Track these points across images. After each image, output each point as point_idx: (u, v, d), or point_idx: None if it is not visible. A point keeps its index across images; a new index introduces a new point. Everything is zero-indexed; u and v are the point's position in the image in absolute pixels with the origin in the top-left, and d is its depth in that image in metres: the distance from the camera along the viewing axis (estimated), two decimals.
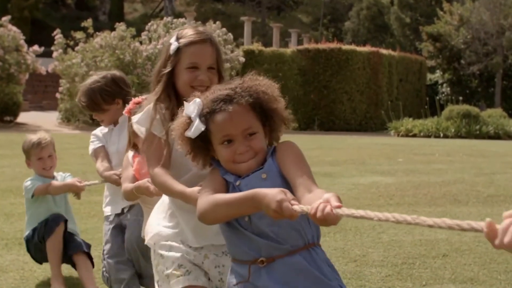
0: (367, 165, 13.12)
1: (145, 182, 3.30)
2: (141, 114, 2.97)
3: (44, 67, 25.15)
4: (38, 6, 45.53)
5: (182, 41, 2.92)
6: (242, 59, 24.66)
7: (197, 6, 51.35)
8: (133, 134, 3.64)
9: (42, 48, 24.66)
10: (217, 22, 25.68)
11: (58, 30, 24.38)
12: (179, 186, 2.73)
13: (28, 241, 5.02)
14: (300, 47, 28.24)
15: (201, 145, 2.54)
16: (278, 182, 2.41)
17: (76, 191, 5.03)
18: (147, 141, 2.93)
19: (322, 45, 27.19)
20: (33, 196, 4.95)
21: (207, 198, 2.43)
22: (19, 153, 13.97)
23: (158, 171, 2.83)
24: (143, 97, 3.61)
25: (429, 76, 36.87)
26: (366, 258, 5.92)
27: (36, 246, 4.97)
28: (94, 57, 23.22)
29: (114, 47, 23.39)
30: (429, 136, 23.58)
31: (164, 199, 3.02)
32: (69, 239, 4.96)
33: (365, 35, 46.06)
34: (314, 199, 2.11)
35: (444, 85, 37.43)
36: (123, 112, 4.00)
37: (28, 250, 5.06)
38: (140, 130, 2.97)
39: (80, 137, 18.45)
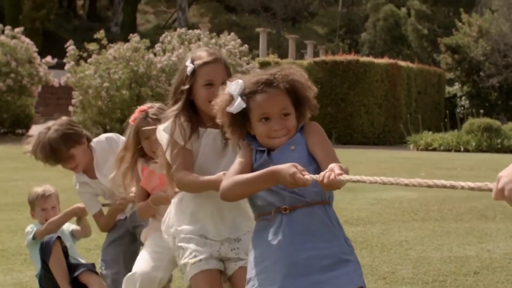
0: None
1: (159, 192, 3.79)
2: (167, 124, 3.39)
3: (56, 79, 25.23)
4: (49, 17, 45.68)
5: (197, 62, 3.39)
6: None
7: (211, 17, 51.49)
8: (147, 142, 4.00)
9: (55, 60, 24.75)
10: (232, 33, 25.69)
11: (70, 42, 24.37)
12: (205, 177, 3.21)
13: (40, 277, 5.04)
14: (317, 59, 28.22)
15: (240, 121, 2.95)
16: (305, 153, 2.88)
17: (80, 215, 5.09)
18: (171, 149, 3.34)
19: (339, 57, 27.14)
20: (34, 238, 5.03)
21: (229, 179, 2.85)
22: (32, 166, 13.98)
23: (183, 173, 3.28)
24: (148, 105, 4.12)
25: (448, 88, 36.70)
26: (395, 275, 5.84)
27: (45, 277, 4.97)
28: (108, 68, 23.23)
29: (127, 58, 23.40)
30: (449, 150, 23.44)
31: (183, 198, 3.42)
32: (71, 264, 4.98)
33: (382, 46, 45.96)
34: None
35: (463, 98, 37.24)
36: (129, 121, 4.15)
37: (41, 285, 5.07)
38: (162, 139, 3.40)
39: None
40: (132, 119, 4.15)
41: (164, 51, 24.51)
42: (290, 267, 2.79)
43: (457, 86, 37.73)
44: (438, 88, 33.31)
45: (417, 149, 24.27)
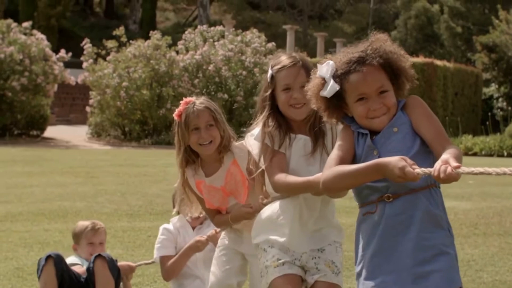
0: None
1: (242, 208, 3.82)
2: (256, 130, 3.55)
3: (73, 77, 24.76)
4: (65, 15, 45.34)
5: (275, 68, 3.50)
6: None
7: (234, 14, 50.90)
8: (195, 133, 3.88)
9: (70, 54, 24.23)
10: (255, 30, 25.06)
11: (87, 40, 23.97)
12: (302, 178, 3.31)
13: None
14: None
15: (335, 103, 2.94)
16: (409, 134, 2.87)
17: (129, 272, 4.98)
18: (264, 154, 3.47)
19: None
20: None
21: (331, 170, 2.85)
22: (48, 171, 13.52)
23: (280, 175, 3.38)
24: (192, 98, 3.99)
25: (484, 89, 35.93)
26: None
27: None
28: (127, 67, 22.77)
29: (148, 57, 22.92)
30: (491, 155, 22.65)
31: (274, 209, 3.51)
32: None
33: (413, 45, 45.08)
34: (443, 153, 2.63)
35: (500, 99, 36.47)
36: (175, 117, 3.97)
37: None
38: (252, 145, 3.58)
39: (113, 154, 17.96)
40: (177, 113, 3.95)
41: (187, 49, 24.04)
42: (390, 260, 2.82)
43: (493, 87, 36.94)
44: (475, 89, 32.55)
45: None
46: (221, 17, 49.01)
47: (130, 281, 4.98)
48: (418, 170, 2.55)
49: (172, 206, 5.05)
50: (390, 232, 2.83)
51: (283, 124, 3.47)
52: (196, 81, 22.86)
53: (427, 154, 2.88)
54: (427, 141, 2.82)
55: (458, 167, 2.48)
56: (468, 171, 2.43)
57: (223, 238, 4.13)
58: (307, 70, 3.41)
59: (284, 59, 3.51)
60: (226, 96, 22.49)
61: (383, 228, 2.83)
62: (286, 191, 3.41)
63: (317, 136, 3.48)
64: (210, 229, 4.59)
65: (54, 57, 24.10)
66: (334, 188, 2.89)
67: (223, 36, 24.68)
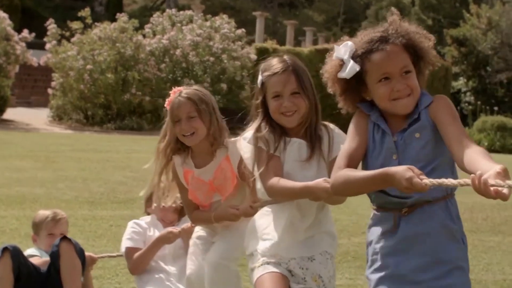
0: None
1: (228, 209, 3.74)
2: (249, 134, 3.46)
3: (35, 58, 24.27)
4: None
5: (265, 74, 3.42)
6: (254, 57, 23.80)
7: None
8: (177, 125, 3.87)
9: (33, 35, 23.72)
10: (224, 16, 24.83)
11: (51, 20, 23.48)
12: (300, 184, 3.23)
13: None
14: (319, 46, 27.40)
15: (354, 86, 2.86)
16: (431, 142, 2.78)
17: (90, 264, 4.73)
18: (257, 158, 3.38)
19: None
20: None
21: (340, 175, 2.79)
22: (7, 154, 13.13)
23: (275, 179, 3.28)
24: (181, 88, 3.99)
25: (452, 83, 36.09)
26: None
27: None
28: (92, 50, 22.33)
29: (114, 39, 22.50)
30: None
31: (265, 217, 3.45)
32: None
33: None
34: (472, 155, 2.54)
35: (468, 93, 36.65)
36: (165, 106, 3.98)
37: None
38: (244, 149, 3.47)
39: (75, 138, 17.61)
40: (167, 103, 3.96)
41: (154, 33, 23.71)
42: (402, 275, 2.79)
43: (462, 80, 37.14)
44: (444, 82, 32.60)
45: None
46: (189, 2, 48.50)
47: (90, 273, 4.74)
48: (426, 180, 2.46)
49: (144, 208, 4.84)
50: (402, 247, 2.81)
51: (277, 128, 3.40)
52: (162, 65, 22.58)
53: (449, 167, 2.82)
54: (448, 141, 2.71)
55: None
56: None
57: (198, 231, 4.08)
58: (298, 75, 3.38)
59: (274, 64, 3.43)
60: (192, 82, 22.14)
61: (396, 243, 2.82)
62: (282, 196, 3.33)
63: (313, 140, 3.40)
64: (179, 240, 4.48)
65: (16, 37, 23.53)
66: (342, 193, 2.88)
67: (191, 21, 24.36)
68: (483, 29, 36.44)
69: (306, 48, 27.79)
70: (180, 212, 4.63)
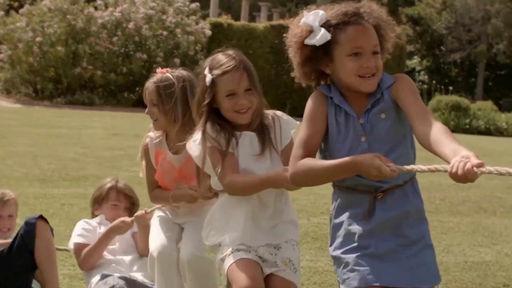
0: None
1: (187, 189, 3.83)
2: (198, 136, 3.39)
3: None
4: None
5: (215, 72, 3.34)
6: (209, 32, 23.61)
7: None
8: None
9: None
10: None
11: None
12: (260, 176, 3.24)
13: None
14: (274, 22, 27.21)
15: (317, 57, 2.81)
16: (396, 122, 2.80)
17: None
18: (213, 158, 3.33)
19: None
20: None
21: (301, 165, 2.78)
22: None
23: (234, 176, 3.27)
24: (164, 70, 3.99)
25: (407, 62, 36.31)
26: None
27: None
28: (42, 21, 21.95)
29: (64, 11, 22.14)
30: None
31: (221, 205, 3.44)
32: None
33: None
34: (435, 134, 2.57)
35: (422, 72, 36.98)
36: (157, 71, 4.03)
37: None
38: (194, 151, 3.41)
39: (24, 113, 17.27)
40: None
41: (106, 5, 23.37)
42: (381, 255, 2.82)
43: (416, 59, 37.44)
44: (399, 61, 32.65)
45: None
46: None
47: None
48: (394, 167, 2.52)
49: (91, 210, 4.70)
50: (382, 227, 2.84)
51: (225, 124, 3.36)
52: (114, 39, 22.25)
53: (410, 144, 2.89)
54: (411, 119, 2.72)
55: (481, 165, 2.31)
56: (494, 172, 2.26)
57: (159, 213, 4.08)
58: (249, 71, 3.36)
59: (224, 61, 3.36)
60: (145, 56, 22.01)
61: (372, 227, 2.83)
62: (244, 192, 3.30)
63: (262, 131, 3.40)
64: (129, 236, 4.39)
65: None
66: (305, 184, 2.87)
67: None
68: (438, 8, 36.74)
69: (261, 23, 27.62)
70: (130, 212, 4.54)
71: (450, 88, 27.63)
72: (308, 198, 8.19)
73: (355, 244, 2.86)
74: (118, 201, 4.54)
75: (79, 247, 4.33)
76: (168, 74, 3.92)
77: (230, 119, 3.36)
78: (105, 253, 4.35)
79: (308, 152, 2.80)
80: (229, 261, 3.29)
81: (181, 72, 3.97)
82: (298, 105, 25.71)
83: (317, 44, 2.77)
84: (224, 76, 3.32)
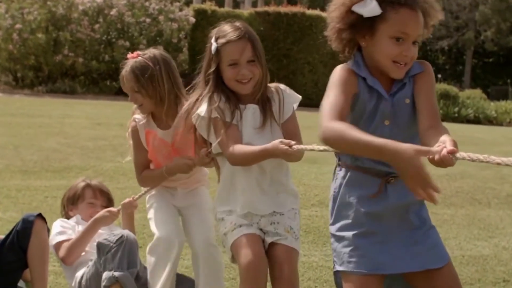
0: None
1: (181, 159, 3.84)
2: (203, 107, 3.48)
3: None
4: None
5: (220, 41, 3.46)
6: (192, 20, 23.43)
7: None
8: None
9: None
10: None
11: None
12: (259, 147, 3.32)
13: None
14: (259, 9, 27.07)
15: (359, 27, 2.75)
16: (413, 107, 2.81)
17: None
18: (217, 129, 3.44)
19: (284, 8, 26.03)
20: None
21: (337, 129, 2.66)
22: None
23: (235, 146, 3.37)
24: (138, 53, 4.04)
25: None
26: None
27: None
28: (21, 8, 21.64)
29: None
30: None
31: (227, 177, 3.53)
32: None
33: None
34: (435, 133, 2.60)
35: None
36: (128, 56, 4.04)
37: None
38: (201, 123, 3.50)
39: (3, 102, 17.03)
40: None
41: None
42: (389, 240, 2.85)
43: None
44: None
45: None
46: None
47: None
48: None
49: (62, 208, 4.59)
50: (393, 211, 2.87)
51: (231, 96, 3.47)
52: (96, 26, 22.00)
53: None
54: (419, 110, 2.77)
55: (454, 151, 2.40)
56: (467, 158, 2.38)
57: (152, 196, 4.13)
58: (253, 43, 3.46)
59: (229, 31, 3.47)
60: (127, 43, 21.78)
61: (387, 207, 2.86)
62: (244, 162, 3.40)
63: (264, 104, 3.50)
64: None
65: None
66: (333, 146, 2.75)
67: None
68: None
69: (246, 10, 27.46)
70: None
71: (439, 76, 27.56)
72: (298, 190, 8.03)
73: (365, 229, 2.87)
74: (95, 198, 4.48)
75: (59, 245, 4.21)
76: (141, 58, 3.95)
77: (231, 88, 3.47)
78: (87, 249, 4.24)
79: (341, 116, 2.74)
80: (233, 237, 3.42)
81: (152, 52, 4.00)
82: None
83: (365, 14, 2.74)
84: (228, 45, 3.43)
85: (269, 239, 3.48)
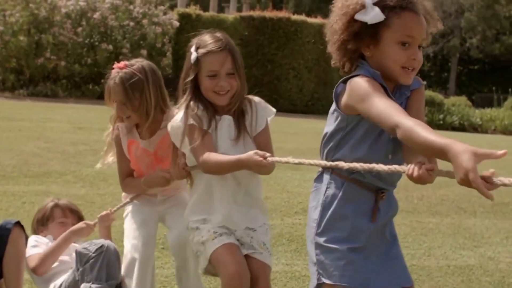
0: None
1: (159, 172, 3.86)
2: (179, 115, 3.50)
3: None
4: None
5: (201, 51, 3.47)
6: (176, 23, 23.34)
7: None
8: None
9: None
10: None
11: None
12: (233, 157, 3.30)
13: None
14: (244, 13, 27.03)
15: (365, 35, 2.70)
16: None
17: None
18: (192, 136, 3.42)
19: (269, 13, 25.97)
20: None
21: (411, 125, 2.49)
22: None
23: (209, 154, 3.36)
24: (125, 63, 4.02)
25: None
26: None
27: None
28: (3, 10, 21.51)
29: (27, 0, 21.70)
30: None
31: (203, 188, 3.53)
32: None
33: (309, 5, 45.13)
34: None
35: None
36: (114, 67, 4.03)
37: None
38: (177, 131, 3.51)
39: None
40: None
41: None
42: (373, 255, 2.85)
43: None
44: None
45: None
46: None
47: None
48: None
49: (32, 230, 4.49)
50: (381, 227, 2.89)
51: (209, 106, 3.48)
52: (79, 29, 21.87)
53: None
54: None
55: (432, 169, 2.41)
56: (442, 173, 2.39)
57: (131, 206, 4.10)
58: (234, 55, 3.47)
59: (210, 42, 3.47)
60: (111, 47, 21.67)
61: (379, 223, 2.87)
62: (217, 171, 3.41)
63: (239, 116, 3.50)
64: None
65: None
66: (406, 142, 2.54)
67: None
68: None
69: (231, 15, 27.40)
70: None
71: (424, 82, 27.61)
72: (282, 197, 8.01)
73: (359, 244, 2.84)
74: (65, 217, 4.40)
75: (32, 258, 4.12)
76: (130, 69, 3.90)
77: (208, 98, 3.47)
78: (66, 258, 4.16)
79: (404, 112, 2.59)
80: (214, 246, 3.40)
81: (140, 63, 3.97)
82: (268, 98, 25.28)
83: (369, 22, 2.69)
84: (208, 55, 3.44)
85: (244, 251, 3.48)
